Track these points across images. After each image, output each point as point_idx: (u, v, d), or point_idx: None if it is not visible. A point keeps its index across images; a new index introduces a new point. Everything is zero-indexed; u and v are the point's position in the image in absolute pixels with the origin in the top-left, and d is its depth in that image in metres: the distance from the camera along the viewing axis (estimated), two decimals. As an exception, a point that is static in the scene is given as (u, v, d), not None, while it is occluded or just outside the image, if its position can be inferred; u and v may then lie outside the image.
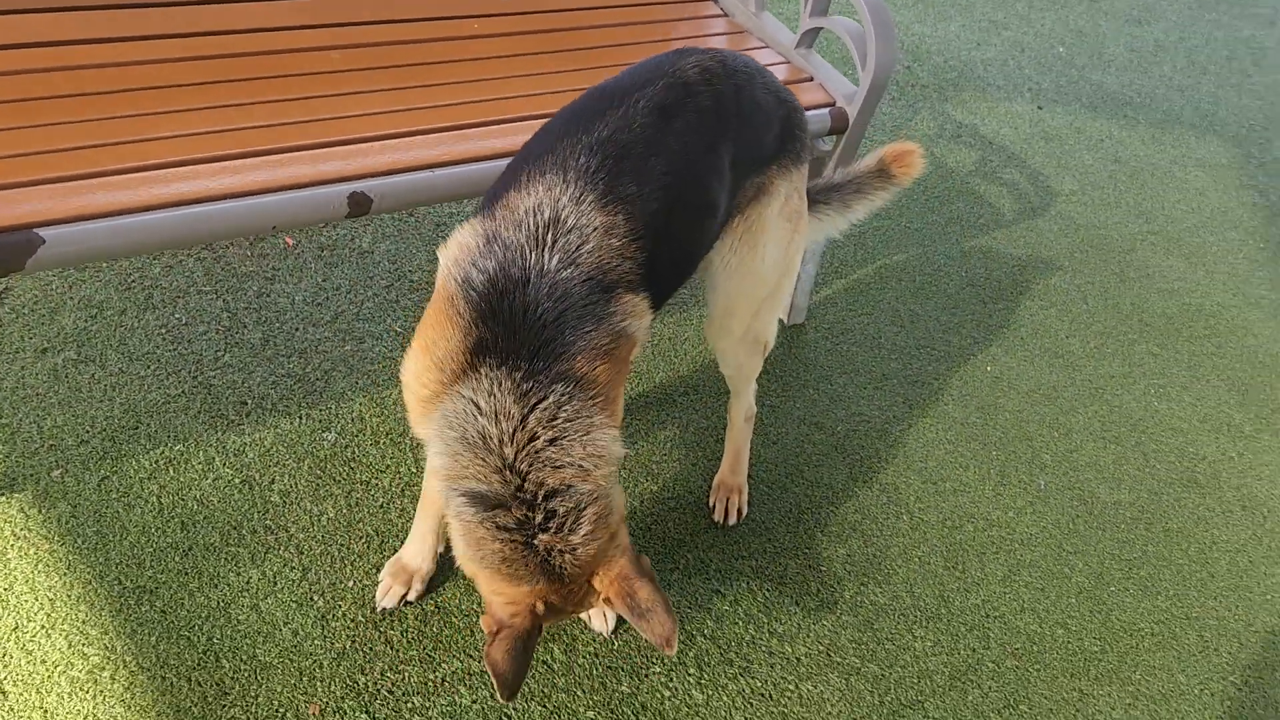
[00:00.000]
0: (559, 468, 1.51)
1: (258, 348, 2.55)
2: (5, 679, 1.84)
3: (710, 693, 2.07)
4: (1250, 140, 4.82)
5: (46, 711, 1.81)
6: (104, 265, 2.64)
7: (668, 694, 2.05)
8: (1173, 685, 2.31)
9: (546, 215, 1.57)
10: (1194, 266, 3.81)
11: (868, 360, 2.99)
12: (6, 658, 1.87)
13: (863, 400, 2.84)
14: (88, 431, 2.26)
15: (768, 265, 2.02)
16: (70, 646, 1.90)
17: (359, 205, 1.94)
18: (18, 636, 1.90)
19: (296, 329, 2.62)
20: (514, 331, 1.51)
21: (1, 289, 2.51)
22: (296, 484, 2.26)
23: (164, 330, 2.53)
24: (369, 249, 2.93)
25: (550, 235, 1.56)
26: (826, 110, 2.58)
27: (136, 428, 2.29)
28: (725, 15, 2.92)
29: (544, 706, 1.98)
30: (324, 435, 2.38)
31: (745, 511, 2.43)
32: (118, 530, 2.10)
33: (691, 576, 2.27)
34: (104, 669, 1.88)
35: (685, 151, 1.70)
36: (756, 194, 1.94)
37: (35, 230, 1.65)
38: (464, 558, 1.58)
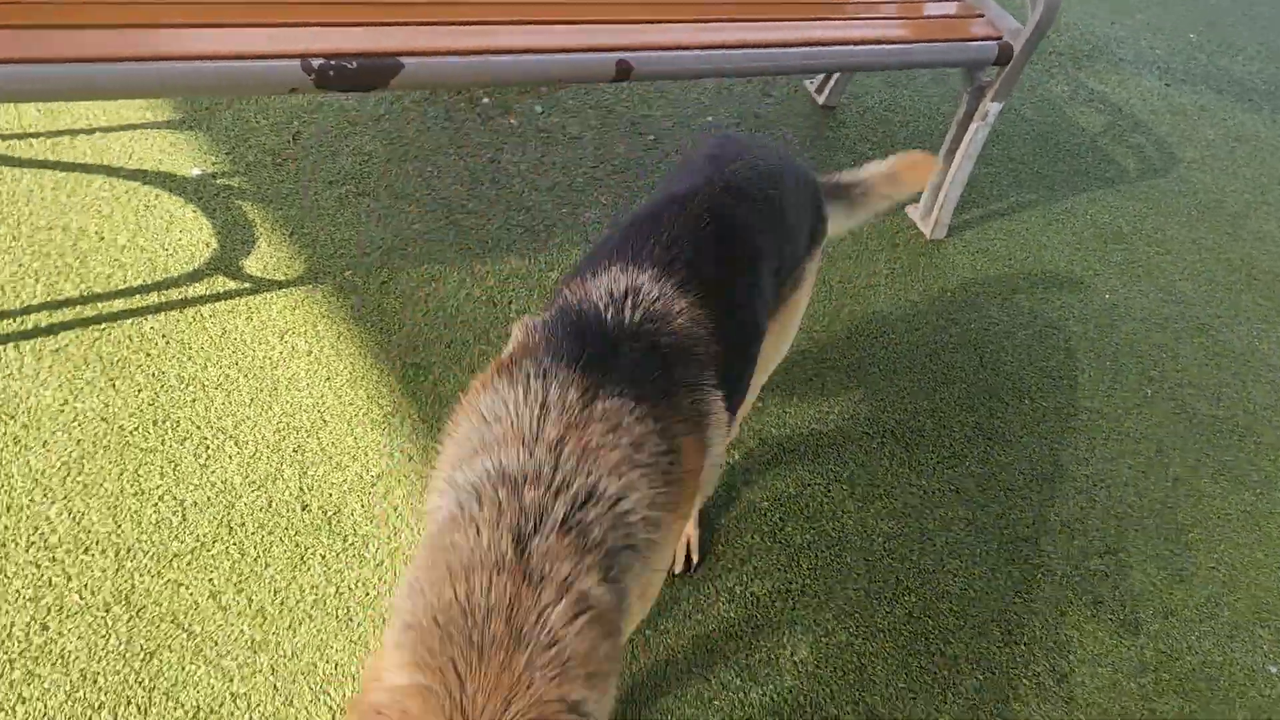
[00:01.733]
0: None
1: (493, 201, 3.05)
2: (325, 413, 2.36)
3: (860, 503, 2.51)
4: (1369, 134, 5.07)
5: (355, 439, 2.32)
6: (371, 122, 3.17)
7: (826, 502, 2.50)
8: (1252, 559, 2.69)
9: (624, 286, 1.46)
10: (1303, 236, 4.13)
11: (998, 276, 3.39)
12: (323, 399, 2.39)
13: (991, 307, 3.25)
14: (368, 247, 2.78)
15: (792, 328, 2.06)
16: (369, 398, 2.42)
17: (623, 71, 2.40)
18: (330, 385, 2.42)
19: (522, 191, 3.12)
20: (593, 358, 1.36)
21: (294, 133, 3.04)
22: (528, 305, 2.75)
23: (420, 178, 3.04)
24: (578, 135, 3.41)
25: (630, 301, 1.44)
26: (994, 43, 2.97)
27: (405, 250, 2.81)
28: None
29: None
30: (548, 274, 2.86)
31: (695, 559, 2.31)
32: (396, 322, 2.61)
33: (843, 423, 2.72)
34: (394, 416, 2.39)
35: (746, 250, 1.66)
36: (792, 289, 1.94)
37: (399, 58, 2.15)
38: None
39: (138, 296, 2.53)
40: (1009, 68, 3.01)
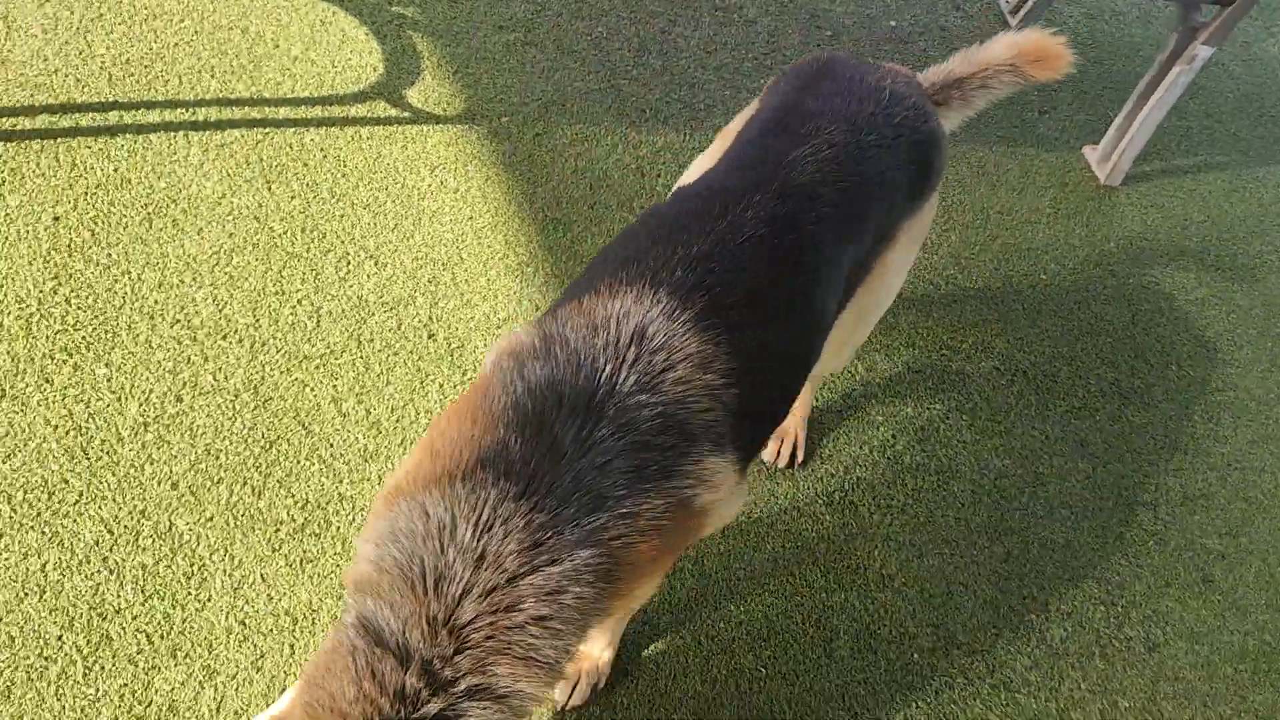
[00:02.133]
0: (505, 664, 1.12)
1: (658, 71, 2.99)
2: (463, 250, 2.40)
3: (978, 435, 2.44)
4: None
5: (488, 281, 2.36)
6: (548, -27, 3.15)
7: (942, 428, 2.44)
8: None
9: (631, 326, 1.29)
10: None
11: (1169, 236, 3.19)
12: (463, 237, 2.42)
13: (1155, 266, 3.07)
14: (527, 97, 2.78)
15: (888, 290, 1.89)
16: (506, 244, 2.44)
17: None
18: (471, 224, 2.45)
19: (688, 67, 3.05)
20: (552, 457, 1.19)
21: (472, -29, 3.03)
22: (675, 181, 2.71)
23: (589, 38, 3.00)
24: (754, 19, 3.30)
25: (633, 350, 1.27)
26: (1220, -20, 2.74)
27: (563, 105, 2.79)
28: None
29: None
30: (698, 154, 2.81)
31: (800, 458, 2.29)
32: (543, 175, 2.61)
33: (975, 354, 2.62)
34: (529, 265, 2.41)
35: (798, 269, 1.45)
36: (883, 248, 1.75)
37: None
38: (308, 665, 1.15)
39: (303, 108, 2.58)
40: (1231, 8, 2.78)
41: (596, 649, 1.81)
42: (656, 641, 1.94)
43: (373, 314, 2.24)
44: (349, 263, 2.32)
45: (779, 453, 2.27)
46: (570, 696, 1.81)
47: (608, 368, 1.25)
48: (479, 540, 1.12)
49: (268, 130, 2.51)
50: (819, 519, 2.18)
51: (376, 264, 2.33)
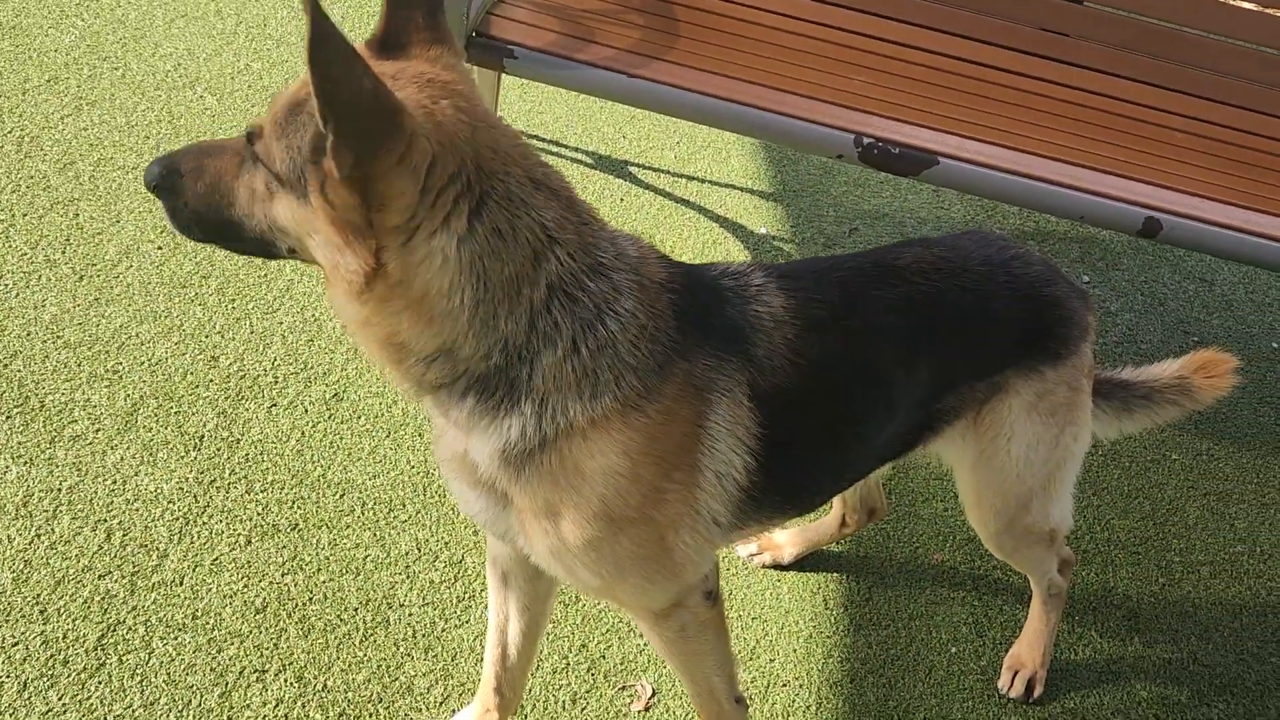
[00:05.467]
0: None
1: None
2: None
3: None
4: None
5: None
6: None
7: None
8: None
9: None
10: None
11: None
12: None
13: None
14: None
15: (1017, 462, 1.86)
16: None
17: (1150, 228, 2.48)
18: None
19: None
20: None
21: (852, 228, 3.52)
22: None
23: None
24: (1115, 312, 3.43)
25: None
26: None
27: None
28: None
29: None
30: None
31: (1037, 691, 2.23)
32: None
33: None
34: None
35: (872, 329, 1.66)
36: (989, 395, 1.81)
37: (936, 156, 2.49)
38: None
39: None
40: None
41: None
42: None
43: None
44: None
45: (1012, 682, 2.25)
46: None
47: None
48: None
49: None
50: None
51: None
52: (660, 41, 2.61)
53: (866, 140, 2.47)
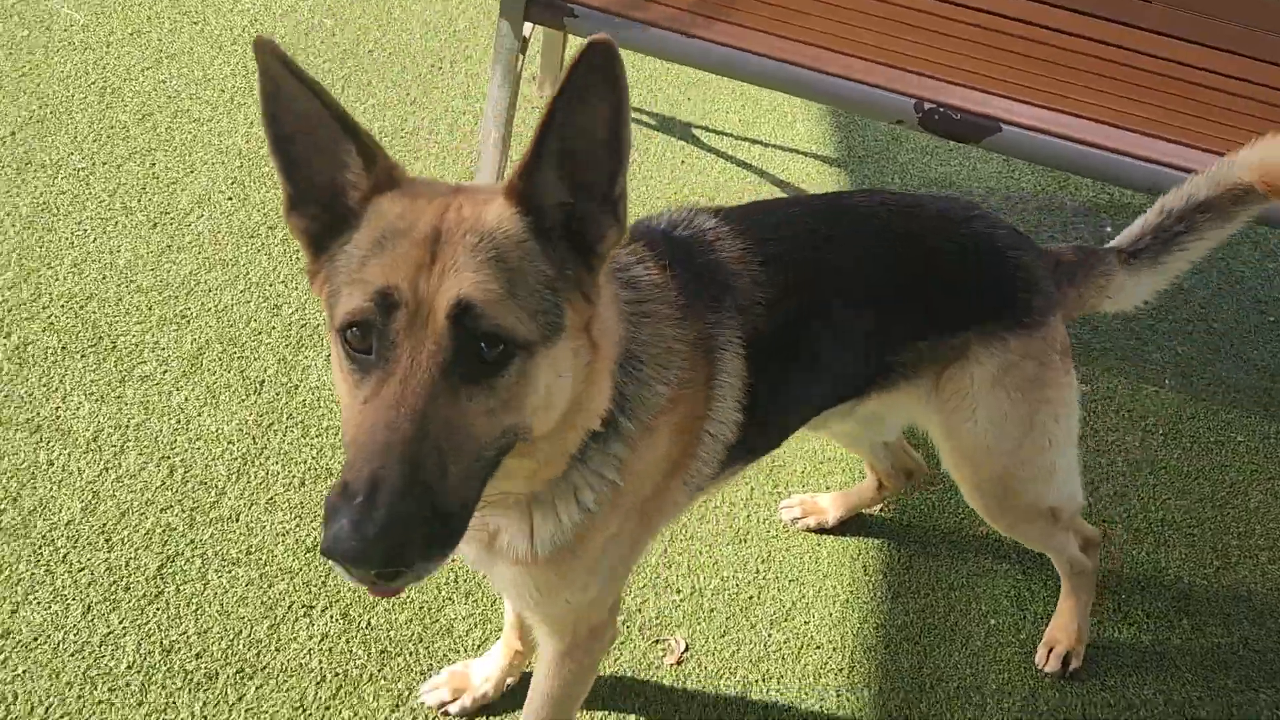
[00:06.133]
0: None
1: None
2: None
3: None
4: None
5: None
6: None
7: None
8: None
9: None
10: None
11: None
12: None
13: None
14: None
15: (984, 435, 1.80)
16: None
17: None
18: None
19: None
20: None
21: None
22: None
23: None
24: (1189, 289, 3.33)
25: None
26: None
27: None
28: None
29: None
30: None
31: (1073, 665, 2.22)
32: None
33: None
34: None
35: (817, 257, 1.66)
36: (949, 358, 1.77)
37: (999, 123, 2.43)
38: None
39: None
40: None
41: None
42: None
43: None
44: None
45: (1048, 658, 2.22)
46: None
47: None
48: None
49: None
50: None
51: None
52: (720, 2, 2.58)
53: (927, 105, 2.43)
